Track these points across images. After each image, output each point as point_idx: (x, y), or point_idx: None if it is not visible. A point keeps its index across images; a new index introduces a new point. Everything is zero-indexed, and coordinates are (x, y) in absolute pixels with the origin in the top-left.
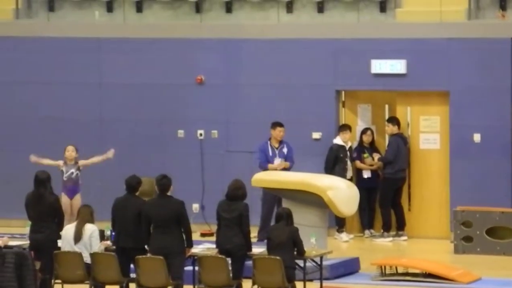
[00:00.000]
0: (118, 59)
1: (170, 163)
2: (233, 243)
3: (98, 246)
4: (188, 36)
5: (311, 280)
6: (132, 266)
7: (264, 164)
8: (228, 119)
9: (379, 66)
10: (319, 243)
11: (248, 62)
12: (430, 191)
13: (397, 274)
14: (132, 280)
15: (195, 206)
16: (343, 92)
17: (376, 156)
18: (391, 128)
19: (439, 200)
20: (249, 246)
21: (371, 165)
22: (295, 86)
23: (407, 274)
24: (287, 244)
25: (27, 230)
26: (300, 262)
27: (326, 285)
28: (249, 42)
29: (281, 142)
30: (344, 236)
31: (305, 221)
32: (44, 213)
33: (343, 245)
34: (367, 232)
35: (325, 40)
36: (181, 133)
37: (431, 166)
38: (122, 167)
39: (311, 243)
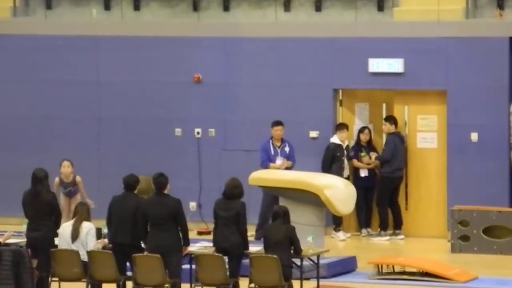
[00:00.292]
0: (116, 57)
1: (167, 161)
2: (230, 241)
3: (94, 244)
4: (185, 35)
5: (308, 279)
6: (128, 264)
7: (266, 163)
8: (225, 118)
9: (377, 65)
10: (316, 242)
11: (245, 60)
12: (427, 190)
13: (394, 273)
14: (129, 278)
15: (192, 205)
16: (340, 91)
17: (373, 155)
18: (388, 127)
19: (436, 199)
20: (246, 245)
21: (368, 164)
22: (292, 85)
23: (404, 273)
24: (284, 243)
25: (24, 228)
26: (297, 261)
27: (323, 284)
28: (246, 40)
29: (282, 141)
30: (341, 234)
31: (302, 219)
32: (41, 211)
33: (340, 244)
34: (364, 231)
35: (323, 38)
36: (178, 131)
37: (428, 165)
38: (119, 165)
39: (308, 242)
